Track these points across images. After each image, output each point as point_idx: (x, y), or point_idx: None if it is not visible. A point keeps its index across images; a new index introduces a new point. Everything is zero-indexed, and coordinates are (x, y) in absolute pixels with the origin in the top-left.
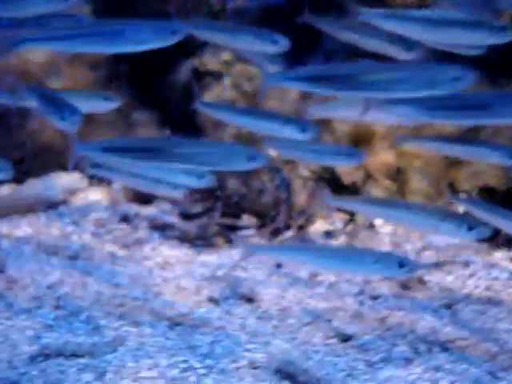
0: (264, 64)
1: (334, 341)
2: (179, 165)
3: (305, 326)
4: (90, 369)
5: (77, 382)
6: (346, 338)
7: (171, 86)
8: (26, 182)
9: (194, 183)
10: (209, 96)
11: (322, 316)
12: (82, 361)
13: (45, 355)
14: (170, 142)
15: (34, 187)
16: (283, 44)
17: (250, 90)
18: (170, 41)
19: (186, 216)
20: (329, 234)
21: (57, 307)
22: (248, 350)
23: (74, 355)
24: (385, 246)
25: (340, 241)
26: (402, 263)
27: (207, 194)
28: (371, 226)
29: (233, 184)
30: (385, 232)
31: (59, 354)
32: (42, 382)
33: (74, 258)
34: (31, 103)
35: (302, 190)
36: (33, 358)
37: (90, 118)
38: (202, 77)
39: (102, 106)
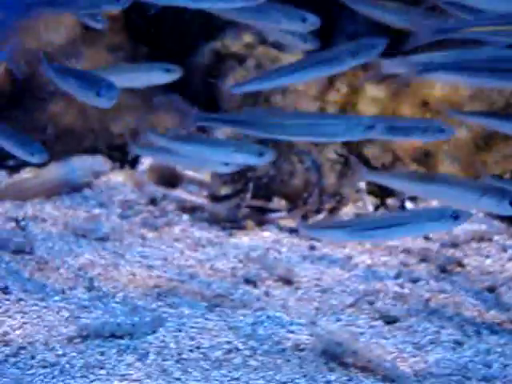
0: (295, 42)
1: (379, 323)
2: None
3: (348, 308)
4: (130, 350)
5: (118, 364)
6: (391, 320)
7: (192, 69)
8: (49, 165)
9: (255, 161)
10: (232, 78)
11: (364, 298)
12: (122, 342)
13: (83, 336)
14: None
15: (58, 170)
16: (313, 22)
17: None
18: None
19: (216, 198)
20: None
21: (90, 288)
22: (292, 332)
23: (113, 336)
24: None
25: None
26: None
27: (237, 176)
28: (402, 209)
29: (263, 167)
30: None
31: (98, 335)
32: (81, 363)
33: (103, 239)
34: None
35: (330, 172)
36: (71, 339)
37: None
38: (223, 59)
39: (164, 77)
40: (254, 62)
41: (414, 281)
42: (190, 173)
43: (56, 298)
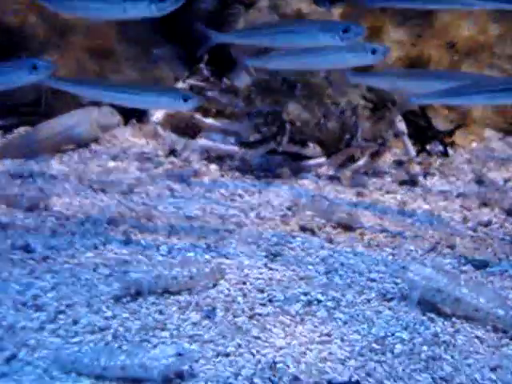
0: None
1: (468, 267)
2: None
3: (428, 253)
4: (192, 307)
5: (183, 323)
6: (480, 265)
7: (194, 17)
8: (51, 120)
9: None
10: (245, 21)
11: (441, 243)
12: (181, 298)
13: (132, 295)
14: None
15: (62, 124)
16: None
17: (290, 11)
18: None
19: (247, 144)
20: (400, 164)
21: (127, 242)
22: (373, 280)
23: (168, 292)
24: (465, 176)
25: (414, 170)
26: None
27: (270, 118)
28: (444, 155)
29: (294, 108)
30: (461, 160)
31: (150, 291)
32: (138, 325)
33: (126, 193)
34: None
35: (364, 117)
36: (118, 299)
37: (111, 53)
38: (230, 4)
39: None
40: (267, 2)
41: (486, 224)
42: (209, 120)
43: (89, 254)
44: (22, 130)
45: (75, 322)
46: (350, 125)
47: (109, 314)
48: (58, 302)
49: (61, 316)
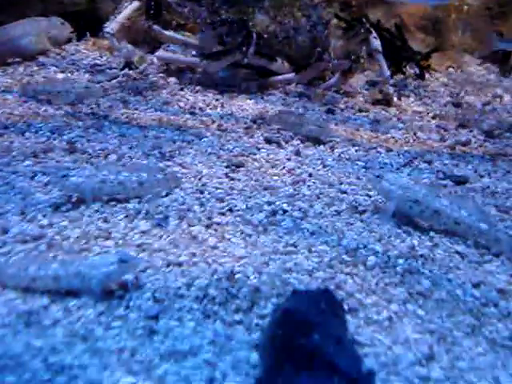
0: None
1: (448, 183)
2: None
3: (404, 167)
4: (142, 215)
5: (130, 232)
6: (460, 181)
7: None
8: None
9: None
10: None
11: (417, 158)
12: (130, 206)
13: (73, 203)
14: None
15: (6, 34)
16: None
17: None
18: None
19: (209, 56)
20: (374, 84)
21: (71, 151)
22: (344, 192)
23: (114, 200)
24: (442, 98)
25: (388, 90)
26: None
27: (236, 28)
28: (420, 77)
29: (262, 20)
30: (437, 84)
31: (93, 199)
32: (78, 234)
33: (75, 103)
34: None
35: (336, 34)
36: (57, 208)
37: None
38: None
39: None
40: None
41: (464, 144)
42: (169, 32)
43: (27, 162)
44: None
45: (4, 232)
46: (322, 39)
47: (45, 222)
48: None
49: None
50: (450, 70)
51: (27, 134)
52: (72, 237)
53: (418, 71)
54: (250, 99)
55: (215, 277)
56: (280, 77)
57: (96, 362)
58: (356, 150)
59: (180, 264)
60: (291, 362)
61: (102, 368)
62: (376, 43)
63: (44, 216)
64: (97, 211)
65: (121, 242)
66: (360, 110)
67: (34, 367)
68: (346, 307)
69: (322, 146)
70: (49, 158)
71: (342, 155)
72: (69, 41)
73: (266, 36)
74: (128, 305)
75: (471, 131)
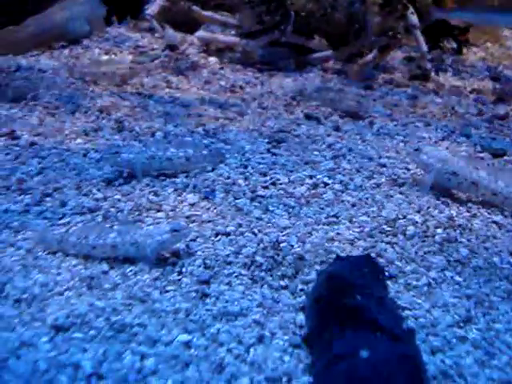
0: None
1: (485, 155)
2: None
3: (442, 141)
4: (190, 189)
5: (180, 204)
6: (498, 153)
7: None
8: (44, 12)
9: None
10: None
11: (455, 132)
12: (178, 180)
13: (124, 177)
14: None
15: (53, 19)
16: None
17: None
18: None
19: (248, 35)
20: (411, 60)
21: (120, 129)
22: (383, 165)
23: (163, 175)
24: (480, 73)
25: (426, 66)
26: None
27: (273, 6)
28: (457, 52)
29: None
30: (475, 58)
31: (145, 174)
32: (131, 207)
33: (120, 84)
34: None
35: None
36: (109, 183)
37: None
38: None
39: None
40: None
41: (502, 117)
42: (208, 13)
43: (79, 140)
44: (11, 28)
45: (63, 205)
46: (359, 16)
47: (99, 195)
48: (45, 186)
49: (47, 199)
50: (488, 44)
51: (77, 113)
52: (125, 209)
53: (455, 46)
54: (289, 77)
55: (261, 246)
56: (318, 54)
57: (154, 321)
58: (394, 125)
59: (228, 234)
60: (336, 321)
61: (159, 327)
62: (413, 18)
63: (98, 190)
64: (147, 185)
65: (171, 213)
66: (398, 86)
67: (98, 325)
68: (386, 274)
69: (360, 121)
70: (99, 136)
71: (381, 130)
72: (109, 23)
73: (303, 14)
74: (181, 271)
75: (509, 105)
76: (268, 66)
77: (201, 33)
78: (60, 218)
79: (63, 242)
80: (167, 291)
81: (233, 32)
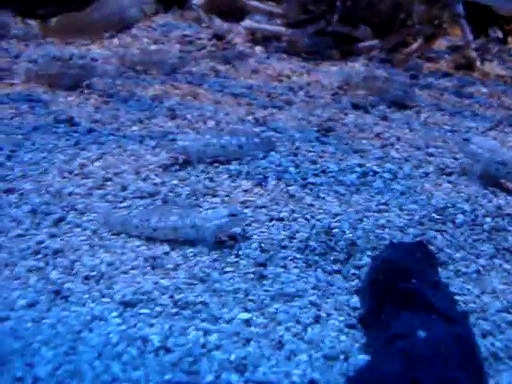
0: None
1: None
2: None
3: (490, 131)
4: (243, 175)
5: (234, 190)
6: None
7: None
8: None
9: None
10: None
11: (503, 122)
12: (231, 167)
13: (180, 164)
14: None
15: (114, 6)
16: None
17: None
18: None
19: (294, 24)
20: (456, 49)
21: (173, 117)
22: (431, 155)
23: (217, 161)
24: None
25: (471, 55)
26: None
27: None
28: (503, 41)
29: None
30: None
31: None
32: (188, 191)
33: (169, 73)
34: None
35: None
36: (166, 167)
37: None
38: None
39: None
40: None
41: None
42: (253, 2)
43: (134, 127)
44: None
45: (123, 189)
46: (404, 5)
47: (158, 180)
48: (105, 171)
49: (108, 183)
50: None
51: (130, 102)
52: (183, 194)
53: (500, 35)
54: (335, 65)
55: (314, 231)
56: (363, 43)
57: (215, 300)
58: (442, 115)
59: (281, 219)
60: (392, 303)
61: (220, 305)
62: (458, 8)
63: (156, 175)
64: (202, 171)
65: (226, 198)
66: (443, 75)
67: (163, 302)
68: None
69: (408, 111)
70: (153, 123)
71: (428, 119)
72: (155, 12)
73: (349, 3)
74: (238, 253)
75: None
76: (314, 55)
77: (247, 22)
78: (121, 202)
79: (126, 224)
80: (226, 272)
81: (278, 21)
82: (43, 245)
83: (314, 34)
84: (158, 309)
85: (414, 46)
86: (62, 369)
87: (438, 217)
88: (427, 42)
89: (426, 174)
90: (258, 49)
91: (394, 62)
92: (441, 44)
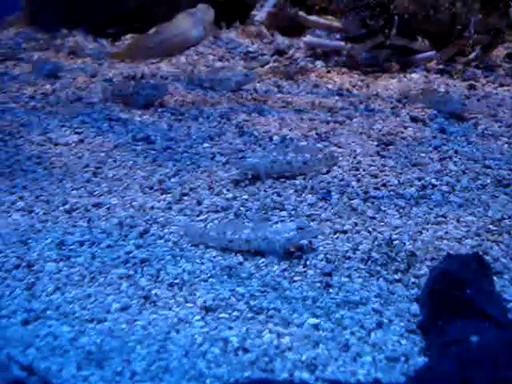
0: None
1: None
2: None
3: None
4: (308, 190)
5: (300, 204)
6: None
7: None
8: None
9: None
10: None
11: None
12: (297, 182)
13: (249, 179)
14: None
15: (179, 27)
16: None
17: None
18: None
19: (353, 39)
20: None
21: (241, 134)
22: (488, 167)
23: (283, 177)
24: None
25: None
26: None
27: (377, 10)
28: None
29: (402, 2)
30: None
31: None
32: (258, 206)
33: (235, 90)
34: None
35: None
36: (237, 183)
37: None
38: None
39: None
40: None
41: None
42: (313, 18)
43: (205, 144)
44: (128, 36)
45: (199, 203)
46: (461, 15)
47: (229, 195)
48: (182, 186)
49: (185, 198)
50: None
51: (200, 119)
52: (253, 208)
53: None
54: (393, 78)
55: (376, 243)
56: (421, 55)
57: (286, 306)
58: (499, 126)
59: (345, 232)
60: (448, 310)
61: (291, 311)
62: None
63: (228, 190)
64: (270, 187)
65: (293, 212)
66: (501, 85)
67: (240, 308)
68: (492, 270)
69: (465, 123)
70: (223, 140)
71: (486, 131)
72: (218, 29)
73: (406, 16)
74: (305, 264)
75: None
76: (372, 68)
77: (308, 38)
78: (198, 215)
79: (204, 236)
80: (295, 281)
81: (337, 36)
82: (131, 255)
83: (373, 48)
84: (236, 313)
85: (472, 55)
86: (155, 365)
87: (494, 228)
88: (485, 51)
89: (483, 186)
90: (319, 63)
91: (451, 72)
92: (499, 52)
